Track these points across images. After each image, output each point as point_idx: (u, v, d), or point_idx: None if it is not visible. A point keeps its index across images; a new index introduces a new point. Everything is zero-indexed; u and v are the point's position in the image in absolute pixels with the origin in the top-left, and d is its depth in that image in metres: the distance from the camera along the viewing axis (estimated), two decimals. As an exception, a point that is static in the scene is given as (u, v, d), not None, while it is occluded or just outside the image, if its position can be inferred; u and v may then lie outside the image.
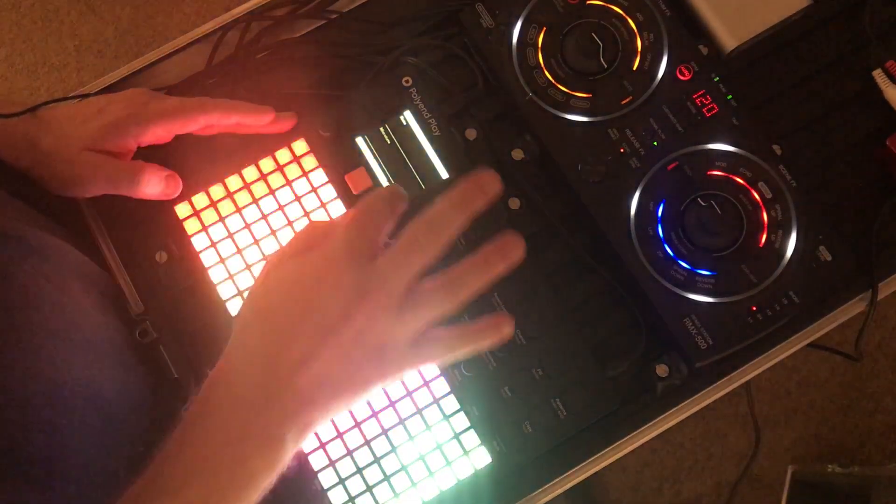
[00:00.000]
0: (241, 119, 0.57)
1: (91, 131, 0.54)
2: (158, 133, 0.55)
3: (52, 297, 0.47)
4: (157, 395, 0.54)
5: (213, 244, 0.56)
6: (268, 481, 0.41)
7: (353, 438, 0.52)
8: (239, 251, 0.55)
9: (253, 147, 0.57)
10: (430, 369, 0.53)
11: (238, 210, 0.56)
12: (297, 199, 0.56)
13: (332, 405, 0.41)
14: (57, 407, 0.44)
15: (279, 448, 0.40)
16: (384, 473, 0.51)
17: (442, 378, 0.53)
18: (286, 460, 0.41)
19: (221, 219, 0.56)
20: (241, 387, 0.41)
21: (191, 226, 0.56)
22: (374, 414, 0.52)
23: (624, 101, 0.57)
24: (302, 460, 0.51)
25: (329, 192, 0.56)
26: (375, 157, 0.57)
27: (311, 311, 0.41)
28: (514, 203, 0.57)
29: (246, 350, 0.42)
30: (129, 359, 0.52)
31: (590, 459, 0.54)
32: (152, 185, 0.55)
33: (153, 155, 0.56)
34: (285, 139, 0.57)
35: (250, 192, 0.57)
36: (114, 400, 0.48)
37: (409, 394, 0.53)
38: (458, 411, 0.52)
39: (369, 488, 0.51)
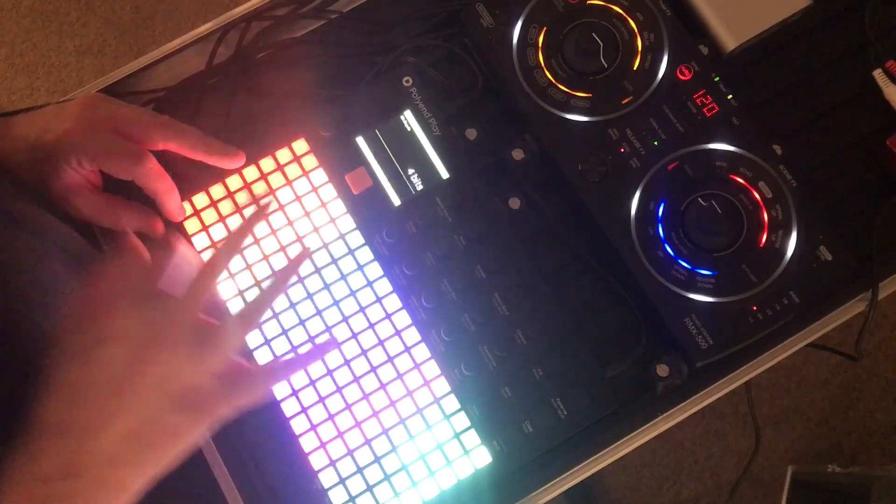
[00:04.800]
0: (206, 160, 0.54)
1: (52, 153, 0.50)
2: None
3: (32, 266, 0.46)
4: None
5: (214, 244, 0.56)
6: None
7: (354, 438, 0.52)
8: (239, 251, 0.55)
9: (254, 147, 0.57)
10: (431, 368, 0.53)
11: (238, 210, 0.56)
12: (298, 198, 0.56)
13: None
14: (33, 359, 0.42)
15: None
16: (384, 473, 0.51)
17: (442, 378, 0.53)
18: None
19: (221, 219, 0.56)
20: (46, 464, 0.38)
21: (191, 226, 0.56)
22: (375, 414, 0.52)
23: (624, 101, 0.57)
24: (302, 460, 0.51)
25: (329, 192, 0.56)
26: (375, 157, 0.57)
27: (95, 368, 0.38)
28: (515, 203, 0.57)
29: (44, 427, 0.39)
30: None
31: (590, 459, 0.54)
32: (131, 224, 0.54)
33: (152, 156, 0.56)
34: (285, 139, 0.57)
35: (250, 191, 0.57)
36: None
37: (410, 393, 0.52)
38: (458, 411, 0.52)
39: (370, 488, 0.51)
